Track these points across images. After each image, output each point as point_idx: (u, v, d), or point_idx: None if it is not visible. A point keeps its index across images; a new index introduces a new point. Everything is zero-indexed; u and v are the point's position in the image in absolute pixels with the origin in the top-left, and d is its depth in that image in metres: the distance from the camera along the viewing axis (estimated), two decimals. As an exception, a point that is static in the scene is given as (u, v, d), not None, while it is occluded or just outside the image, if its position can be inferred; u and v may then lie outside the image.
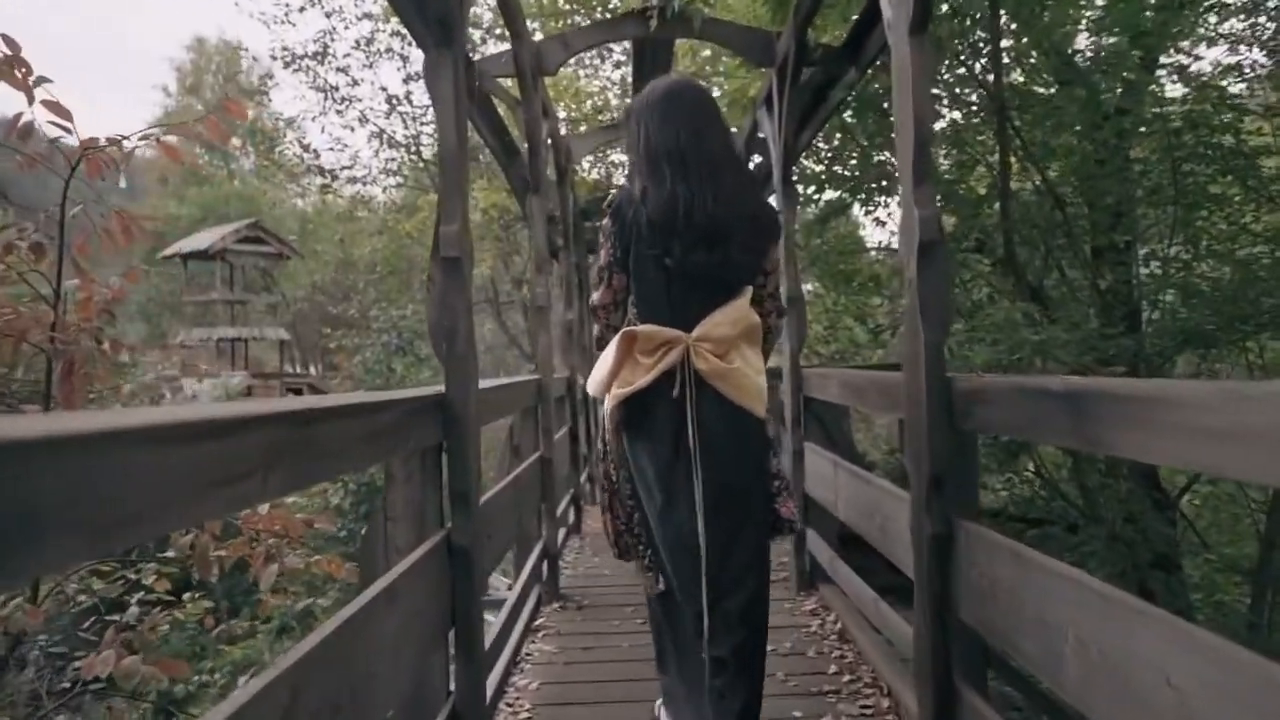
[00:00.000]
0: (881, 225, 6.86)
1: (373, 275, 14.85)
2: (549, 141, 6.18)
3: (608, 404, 2.31)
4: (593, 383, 2.35)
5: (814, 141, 5.88)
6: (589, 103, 10.13)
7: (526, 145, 4.39)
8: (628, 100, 8.26)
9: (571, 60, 11.55)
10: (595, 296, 2.38)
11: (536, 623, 4.02)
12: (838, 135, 7.18)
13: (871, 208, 6.73)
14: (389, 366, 10.08)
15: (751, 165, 6.27)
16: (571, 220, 6.73)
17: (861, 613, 3.66)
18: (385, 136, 13.43)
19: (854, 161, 6.67)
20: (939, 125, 6.06)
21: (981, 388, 2.12)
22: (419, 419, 2.14)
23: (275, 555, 3.20)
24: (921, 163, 2.32)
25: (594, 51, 10.97)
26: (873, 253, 8.09)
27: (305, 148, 15.59)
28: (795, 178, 4.71)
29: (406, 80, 13.06)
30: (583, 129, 9.73)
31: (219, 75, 36.99)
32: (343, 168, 15.57)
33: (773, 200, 5.16)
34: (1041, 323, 4.55)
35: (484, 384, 3.06)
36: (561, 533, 5.82)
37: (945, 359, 2.32)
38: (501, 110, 5.92)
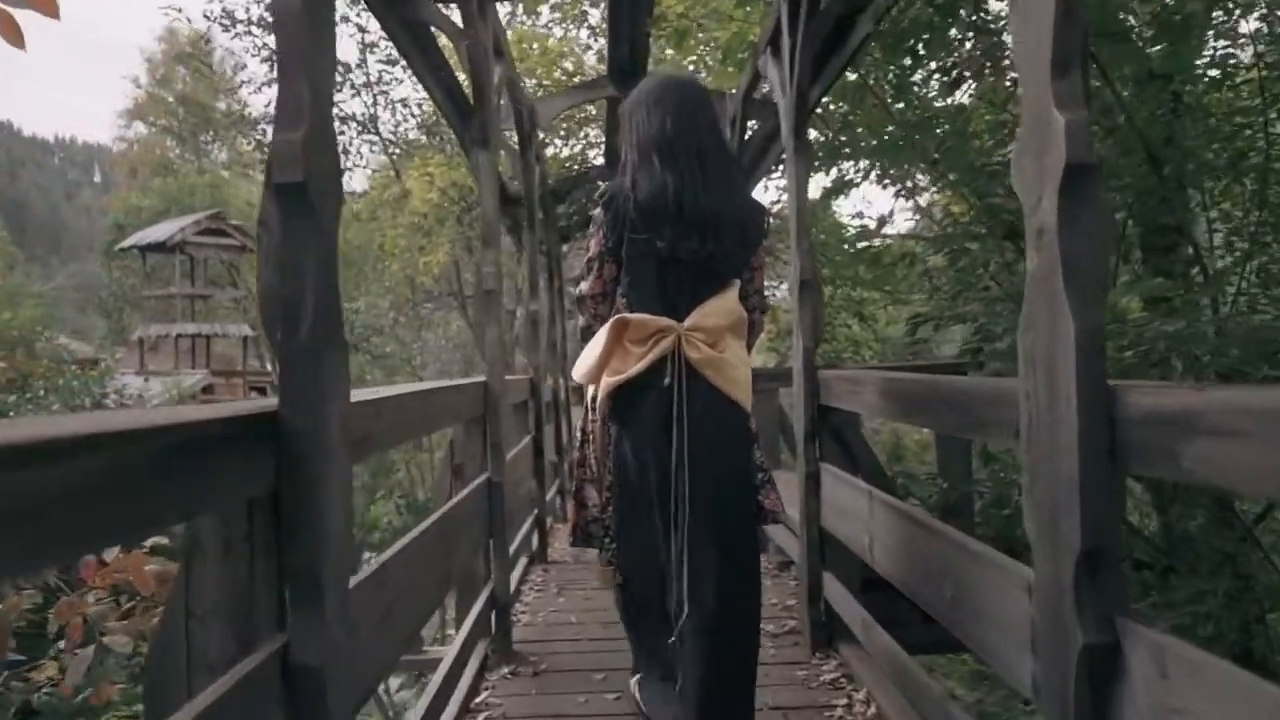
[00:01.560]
0: (908, 199, 5.94)
1: None
2: (501, 100, 5.27)
3: (600, 393, 2.27)
4: (579, 370, 2.32)
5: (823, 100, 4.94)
6: (558, 72, 9.11)
7: (469, 86, 3.48)
8: (603, 67, 7.34)
9: (544, 22, 10.66)
10: (584, 286, 2.36)
11: (478, 699, 3.10)
12: (840, 107, 6.27)
13: (888, 182, 5.81)
14: (340, 365, 9.08)
15: (749, 132, 5.39)
16: (537, 196, 5.80)
17: (904, 692, 2.77)
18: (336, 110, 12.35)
19: (861, 132, 5.74)
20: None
21: (1206, 407, 1.21)
22: (220, 456, 1.24)
23: (98, 626, 2.27)
24: (1066, 38, 1.44)
25: (569, 20, 10.02)
26: (879, 240, 7.19)
27: (252, 123, 14.42)
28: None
29: (363, 48, 11.94)
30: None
31: (189, 63, 35.55)
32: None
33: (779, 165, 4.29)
34: (1175, 309, 3.66)
35: (383, 392, 2.15)
36: (522, 563, 4.93)
37: (1106, 358, 1.43)
38: (463, 80, 5.00)
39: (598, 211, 2.30)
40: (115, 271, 31.13)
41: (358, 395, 1.92)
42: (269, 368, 28.97)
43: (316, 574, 1.38)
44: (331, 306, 1.46)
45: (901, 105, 5.40)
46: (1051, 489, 1.46)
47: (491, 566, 3.51)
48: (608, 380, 2.23)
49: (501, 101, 5.63)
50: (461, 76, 4.94)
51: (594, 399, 2.37)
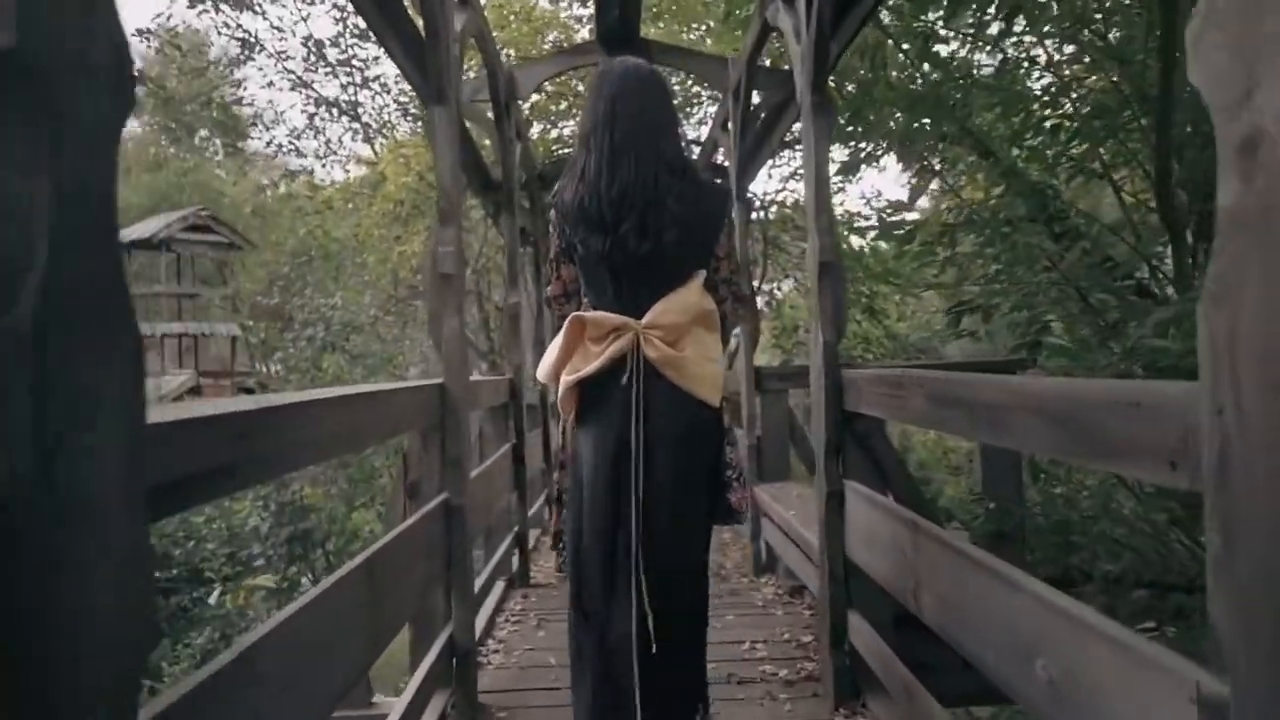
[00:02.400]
0: (934, 174, 5.28)
1: (301, 258, 12.88)
2: (471, 66, 4.69)
3: (560, 390, 2.22)
4: (541, 370, 2.30)
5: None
6: (546, 44, 8.41)
7: (422, 22, 2.91)
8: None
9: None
10: (549, 289, 2.36)
11: (429, 772, 2.54)
12: (851, 87, 5.66)
13: (910, 159, 5.19)
14: (316, 365, 8.50)
15: (754, 101, 4.81)
16: (518, 177, 5.24)
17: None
18: (307, 87, 11.57)
19: (876, 101, 5.08)
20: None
21: None
22: None
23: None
24: None
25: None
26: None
27: (222, 105, 13.66)
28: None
29: (341, 21, 11.13)
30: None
31: (185, 62, 34.53)
32: (254, 121, 13.72)
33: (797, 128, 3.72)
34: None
35: (267, 400, 1.58)
36: (498, 588, 4.37)
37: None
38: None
39: (552, 213, 2.29)
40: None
41: (217, 407, 1.36)
42: (266, 368, 28.39)
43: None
44: (96, 273, 0.89)
45: (925, 69, 4.81)
46: (1274, 559, 0.89)
47: (451, 606, 2.95)
48: (566, 379, 2.19)
49: (474, 73, 5.07)
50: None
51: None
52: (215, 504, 9.93)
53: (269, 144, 14.01)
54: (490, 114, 4.99)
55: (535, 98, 9.64)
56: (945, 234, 4.82)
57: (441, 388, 2.86)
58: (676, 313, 2.14)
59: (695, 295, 2.19)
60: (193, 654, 9.15)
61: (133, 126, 43.55)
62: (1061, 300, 4.15)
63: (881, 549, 2.53)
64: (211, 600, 6.53)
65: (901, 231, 4.92)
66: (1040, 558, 3.59)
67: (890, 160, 6.44)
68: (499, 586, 4.40)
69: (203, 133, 37.02)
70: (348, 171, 13.42)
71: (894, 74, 5.06)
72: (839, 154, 5.62)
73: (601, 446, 2.15)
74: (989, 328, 5.62)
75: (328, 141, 11.78)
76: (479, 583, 4.07)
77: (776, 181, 11.91)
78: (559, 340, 2.20)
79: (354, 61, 10.69)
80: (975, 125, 4.74)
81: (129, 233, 22.92)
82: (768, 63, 5.48)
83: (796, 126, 8.37)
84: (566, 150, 8.98)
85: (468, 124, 5.70)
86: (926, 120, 4.65)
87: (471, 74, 5.15)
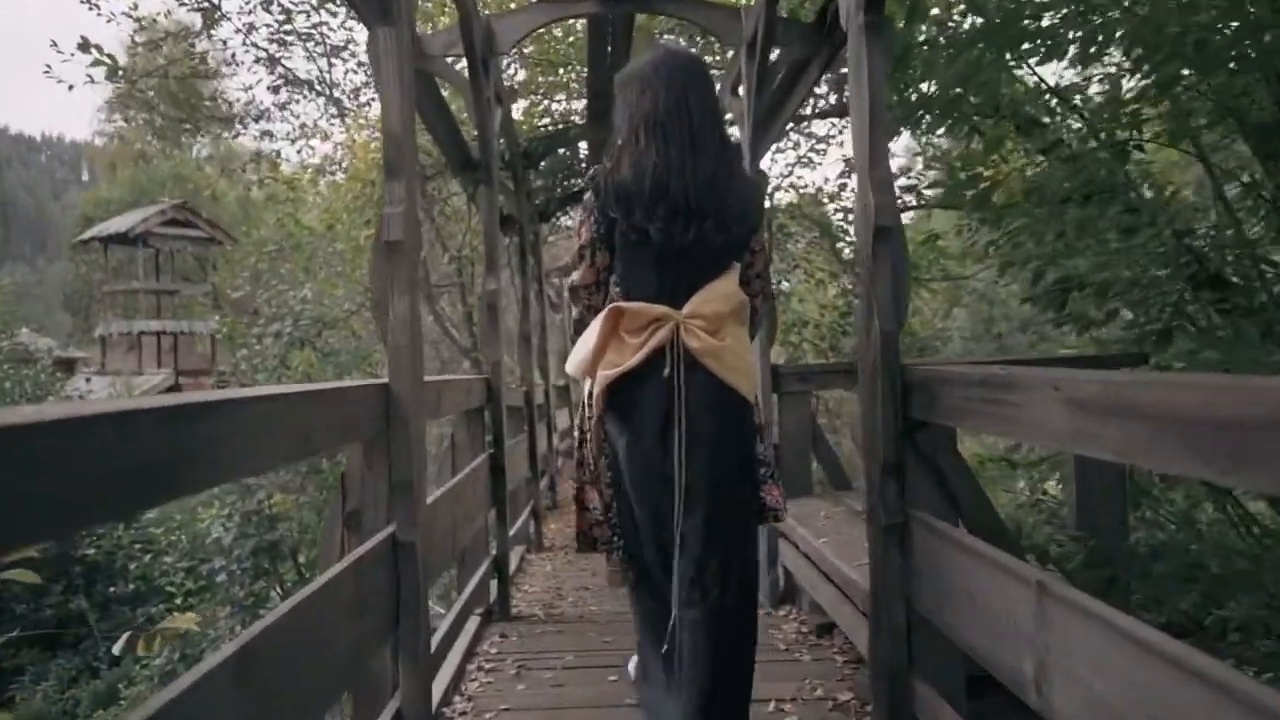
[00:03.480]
0: (975, 135, 4.53)
1: (270, 248, 11.98)
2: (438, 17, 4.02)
3: (595, 387, 2.17)
4: (573, 363, 2.26)
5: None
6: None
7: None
8: None
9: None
10: (576, 276, 2.27)
11: None
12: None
13: (956, 124, 4.46)
14: (284, 362, 7.82)
15: (773, 56, 4.14)
16: (498, 148, 4.57)
17: None
18: (276, 63, 10.73)
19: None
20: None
21: None
22: None
23: None
24: None
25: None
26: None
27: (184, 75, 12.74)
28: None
29: None
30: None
31: (171, 52, 33.59)
32: (214, 99, 12.87)
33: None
34: None
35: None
36: (472, 625, 3.72)
37: None
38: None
39: (588, 196, 2.22)
40: (82, 266, 29.68)
41: None
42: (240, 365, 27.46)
43: None
44: None
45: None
46: None
47: (400, 672, 2.29)
48: (603, 374, 2.14)
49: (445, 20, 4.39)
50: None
51: (590, 394, 2.23)
52: (178, 510, 9.27)
53: (233, 122, 13.22)
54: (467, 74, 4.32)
55: (521, 75, 8.95)
56: (1031, 194, 4.09)
57: (385, 389, 2.20)
58: (719, 302, 2.12)
59: (733, 286, 2.18)
60: (150, 675, 8.47)
61: (119, 123, 42.70)
62: (1176, 279, 3.46)
63: (972, 608, 1.88)
64: (117, 649, 5.77)
65: (977, 194, 4.21)
66: (1143, 601, 2.92)
67: (902, 138, 5.72)
68: (472, 623, 3.72)
69: (187, 127, 36.18)
70: (312, 150, 12.66)
71: (932, 29, 4.37)
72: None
73: (640, 441, 2.11)
74: (1003, 328, 4.93)
75: (302, 125, 11.02)
76: (447, 620, 3.42)
77: (782, 166, 11.20)
78: (594, 332, 2.14)
79: (323, 28, 9.93)
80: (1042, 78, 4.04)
81: (106, 227, 22.23)
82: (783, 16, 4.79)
83: (809, 105, 7.63)
84: (558, 127, 8.28)
85: (444, 94, 5.05)
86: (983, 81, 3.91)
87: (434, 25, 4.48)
